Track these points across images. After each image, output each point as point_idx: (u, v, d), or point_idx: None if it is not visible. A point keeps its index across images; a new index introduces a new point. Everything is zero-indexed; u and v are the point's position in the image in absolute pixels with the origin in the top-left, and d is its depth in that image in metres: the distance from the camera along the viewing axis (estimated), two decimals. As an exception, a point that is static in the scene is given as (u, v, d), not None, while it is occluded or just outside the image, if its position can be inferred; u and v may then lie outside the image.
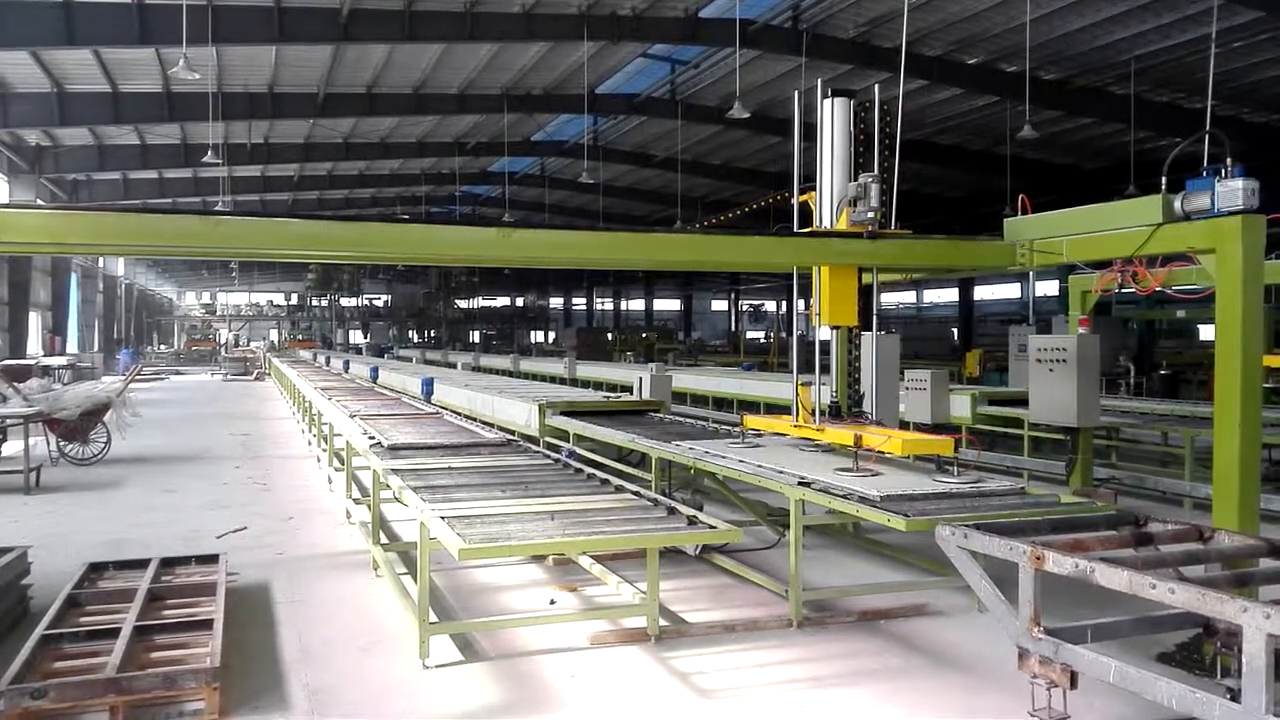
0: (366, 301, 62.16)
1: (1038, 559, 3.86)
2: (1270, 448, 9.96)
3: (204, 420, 19.67)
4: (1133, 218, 5.72)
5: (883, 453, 6.04)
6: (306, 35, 19.10)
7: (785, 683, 4.93)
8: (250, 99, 24.14)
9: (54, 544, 7.83)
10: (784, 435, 7.33)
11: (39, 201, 27.40)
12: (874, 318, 7.02)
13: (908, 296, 59.35)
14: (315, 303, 59.14)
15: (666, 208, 35.81)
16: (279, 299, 62.75)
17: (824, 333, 7.19)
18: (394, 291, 62.73)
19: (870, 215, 6.41)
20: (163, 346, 58.89)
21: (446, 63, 22.71)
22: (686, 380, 18.86)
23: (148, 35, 17.84)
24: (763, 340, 45.45)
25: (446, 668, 5.10)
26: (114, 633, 4.89)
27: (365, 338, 56.48)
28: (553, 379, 22.12)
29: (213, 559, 6.60)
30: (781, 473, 6.10)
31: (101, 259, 42.84)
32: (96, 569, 6.28)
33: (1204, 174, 5.34)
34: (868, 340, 7.14)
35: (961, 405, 11.68)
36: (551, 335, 60.89)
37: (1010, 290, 48.49)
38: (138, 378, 22.97)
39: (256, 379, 35.55)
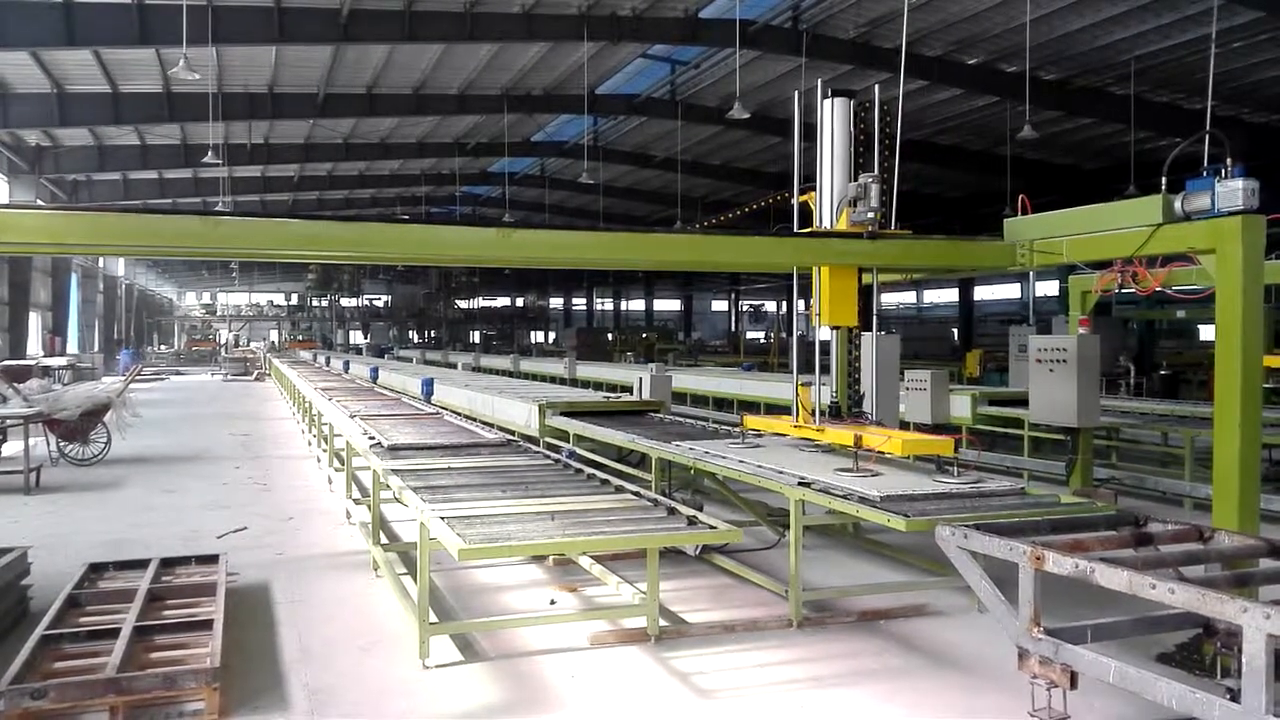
0: (366, 302, 62.17)
1: (1038, 559, 3.86)
2: (1270, 448, 9.97)
3: (204, 420, 19.67)
4: (1133, 218, 5.72)
5: (883, 453, 6.04)
6: (306, 35, 19.10)
7: (785, 683, 4.93)
8: (250, 99, 24.14)
9: (54, 544, 7.83)
10: (784, 435, 7.33)
11: (39, 201, 27.42)
12: (874, 318, 7.02)
13: (908, 297, 59.37)
14: (315, 303, 59.15)
15: (666, 208, 35.82)
16: (279, 299, 62.77)
17: (824, 333, 7.19)
18: (394, 292, 62.69)
19: (870, 215, 6.41)
20: (163, 347, 58.89)
21: (446, 63, 22.71)
22: (686, 380, 18.87)
23: (148, 35, 17.84)
24: (763, 340, 45.47)
25: (446, 668, 5.10)
26: (114, 633, 4.89)
27: (365, 338, 56.48)
28: (553, 379, 22.12)
29: (213, 559, 6.60)
30: (781, 473, 6.10)
31: (101, 259, 42.87)
32: (96, 569, 6.28)
33: (1204, 174, 5.34)
34: (868, 340, 7.14)
35: (961, 405, 11.68)
36: (551, 335, 60.90)
37: (1010, 290, 48.49)
38: (138, 378, 22.97)
39: (256, 379, 35.56)
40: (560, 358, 29.24)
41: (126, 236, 5.32)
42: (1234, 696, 3.27)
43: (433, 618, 5.47)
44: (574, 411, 9.83)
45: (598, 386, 20.22)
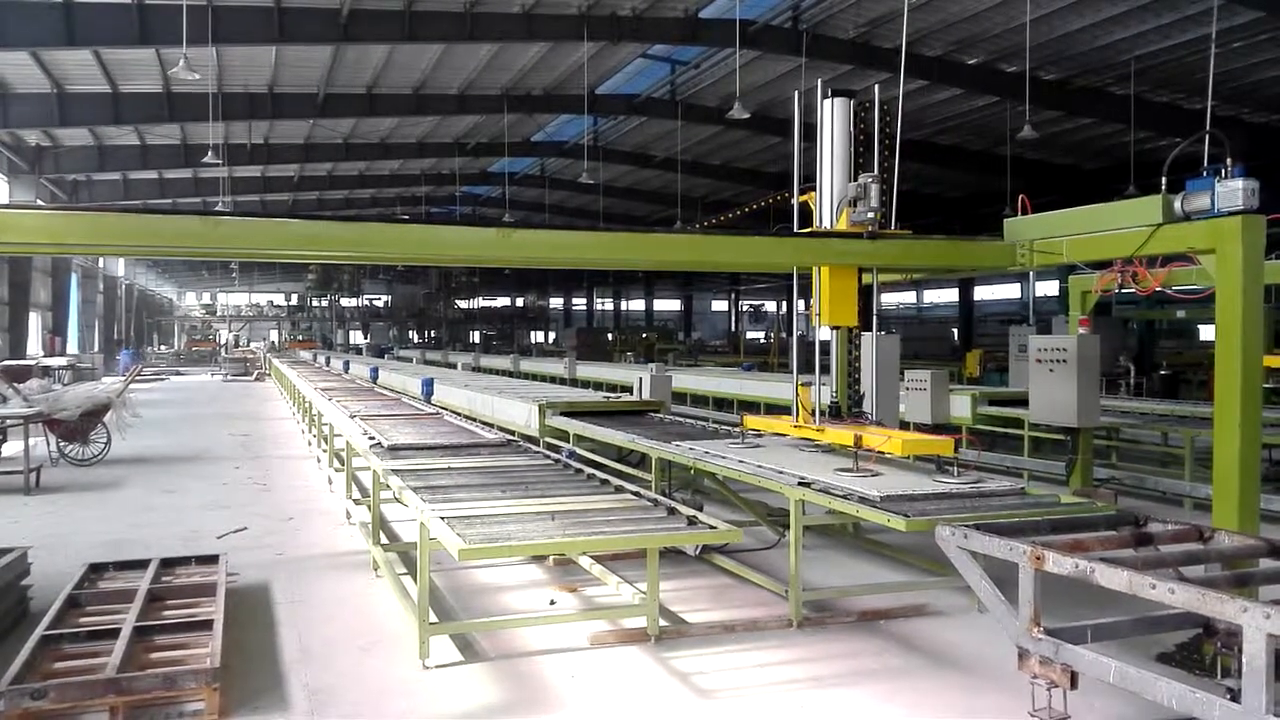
0: (366, 302, 62.17)
1: (1038, 559, 3.86)
2: (1270, 448, 9.96)
3: (204, 421, 19.67)
4: (1133, 218, 5.72)
5: (883, 453, 6.04)
6: (306, 35, 19.10)
7: (785, 683, 4.93)
8: (250, 99, 24.14)
9: (54, 544, 7.83)
10: (784, 435, 7.33)
11: (39, 201, 27.42)
12: (874, 318, 7.02)
13: (908, 296, 59.37)
14: (315, 303, 59.14)
15: (666, 208, 35.82)
16: (279, 299, 62.75)
17: (824, 333, 7.19)
18: (394, 292, 62.70)
19: (870, 215, 6.41)
20: (163, 347, 58.89)
21: (446, 63, 22.71)
22: (686, 380, 18.87)
23: (148, 35, 17.84)
24: (763, 340, 45.48)
25: (446, 668, 5.10)
26: (114, 633, 4.89)
27: (365, 338, 56.48)
28: (553, 379, 22.12)
29: (213, 559, 6.60)
30: (781, 473, 6.10)
31: (101, 259, 42.87)
32: (96, 569, 6.28)
33: (1204, 174, 5.34)
34: (868, 340, 7.14)
35: (961, 405, 11.68)
36: (551, 335, 60.91)
37: (1010, 290, 48.49)
38: (138, 378, 22.96)
39: (256, 379, 35.56)
40: (560, 358, 29.24)
41: (126, 236, 5.32)
42: (1234, 696, 3.27)
43: (433, 618, 5.47)
44: (574, 411, 9.83)
45: (598, 386, 20.22)
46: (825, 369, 7.49)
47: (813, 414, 6.84)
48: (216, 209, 25.42)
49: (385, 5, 18.52)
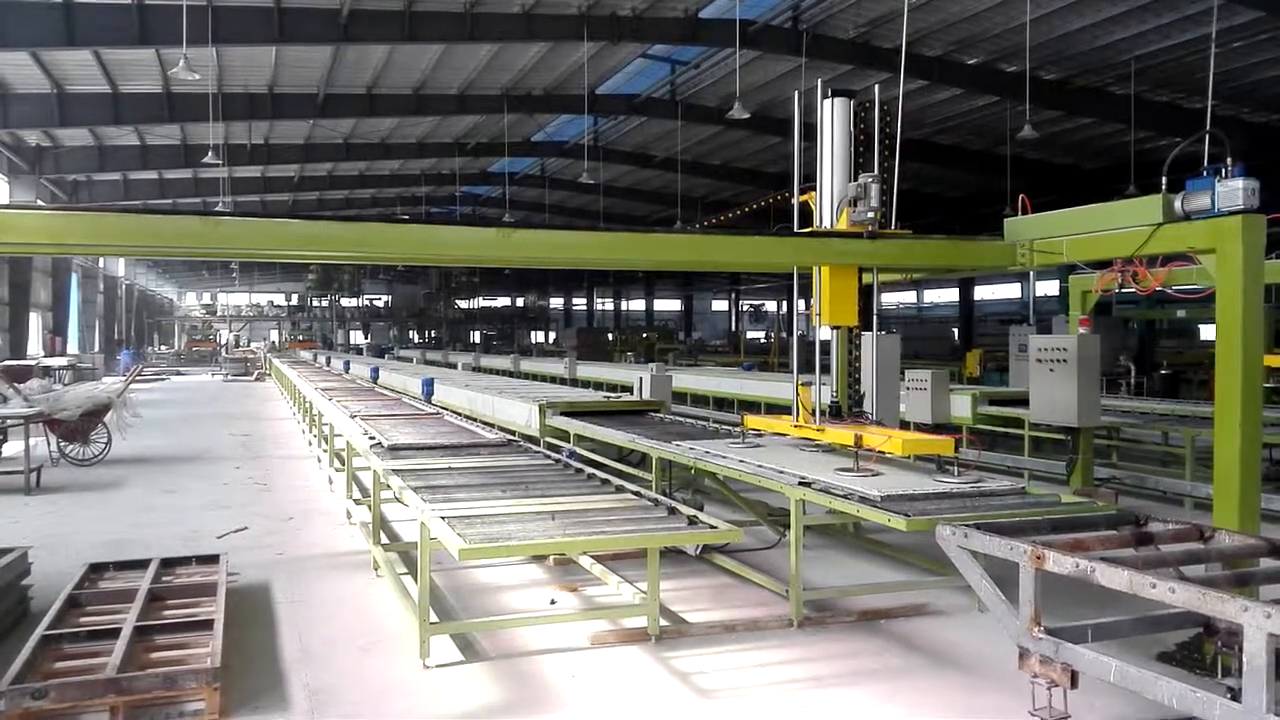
0: (367, 302, 62.21)
1: (1038, 559, 3.86)
2: (1270, 447, 9.96)
3: (204, 421, 19.67)
4: (1133, 218, 5.72)
5: (883, 453, 6.04)
6: (306, 36, 19.10)
7: (785, 683, 4.93)
8: (250, 99, 24.13)
9: (54, 544, 7.83)
10: (784, 435, 7.33)
11: (39, 201, 27.43)
12: (874, 318, 7.02)
13: (908, 296, 59.36)
14: (316, 303, 59.16)
15: (666, 208, 35.82)
16: (279, 299, 62.77)
17: (824, 333, 7.19)
18: (394, 292, 62.73)
19: (870, 215, 6.41)
20: (163, 347, 58.91)
21: (446, 63, 22.71)
22: (687, 380, 18.87)
23: (148, 36, 17.84)
24: (763, 340, 45.48)
25: (447, 668, 5.10)
26: (114, 633, 4.89)
27: (366, 338, 56.52)
28: (553, 379, 22.12)
29: (213, 559, 6.60)
30: (782, 473, 6.10)
31: (102, 259, 42.88)
32: (97, 569, 6.28)
33: (1204, 174, 5.34)
34: (868, 340, 7.14)
35: (962, 405, 11.68)
36: (552, 335, 60.92)
37: (1010, 290, 48.50)
38: (138, 378, 22.97)
39: (257, 380, 35.56)
40: (560, 358, 29.25)
41: (126, 236, 5.32)
42: (1235, 696, 3.27)
43: (433, 617, 5.46)
44: (574, 411, 9.83)
45: (598, 386, 20.22)
46: (825, 369, 7.49)
47: (813, 414, 6.84)
48: (216, 209, 25.43)
49: (385, 5, 18.52)
